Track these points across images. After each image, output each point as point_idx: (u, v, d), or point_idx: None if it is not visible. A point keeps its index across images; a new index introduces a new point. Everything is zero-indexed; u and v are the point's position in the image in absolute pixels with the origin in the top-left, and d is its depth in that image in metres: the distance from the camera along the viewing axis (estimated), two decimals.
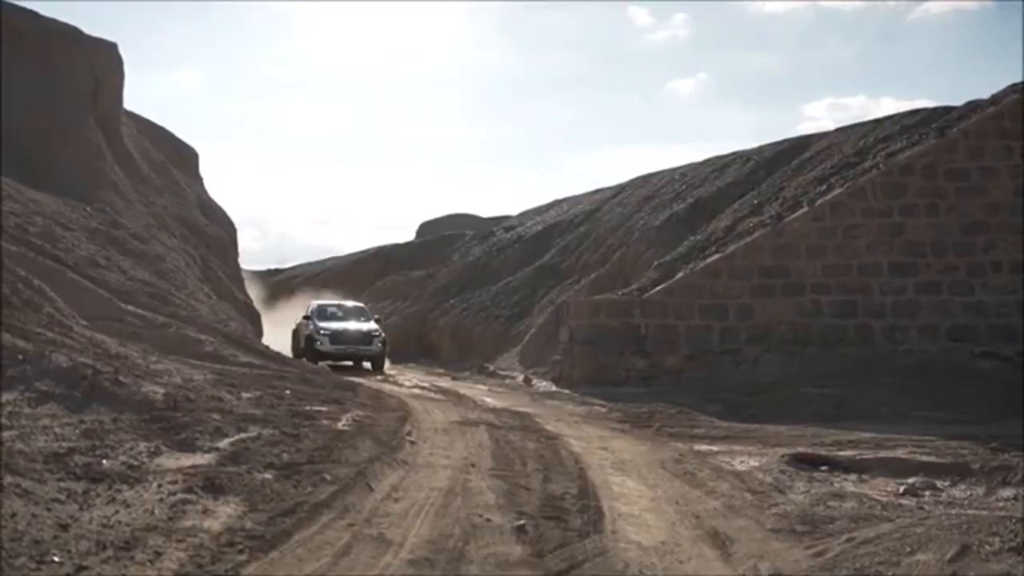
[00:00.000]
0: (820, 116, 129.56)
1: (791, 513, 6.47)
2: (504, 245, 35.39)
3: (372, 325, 22.96)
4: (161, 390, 7.96)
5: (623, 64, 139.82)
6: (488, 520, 5.71)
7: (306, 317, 23.24)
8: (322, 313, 23.43)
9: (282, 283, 44.17)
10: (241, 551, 4.58)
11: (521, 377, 20.02)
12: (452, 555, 4.96)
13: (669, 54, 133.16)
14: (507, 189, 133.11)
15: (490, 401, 14.37)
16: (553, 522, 5.79)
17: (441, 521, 5.59)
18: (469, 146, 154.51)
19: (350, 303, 26.67)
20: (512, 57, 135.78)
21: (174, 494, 5.33)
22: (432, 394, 15.20)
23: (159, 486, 5.45)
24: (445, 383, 18.84)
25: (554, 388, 17.50)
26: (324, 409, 9.30)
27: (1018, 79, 18.08)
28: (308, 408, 9.18)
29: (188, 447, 6.58)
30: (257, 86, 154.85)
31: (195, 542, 4.59)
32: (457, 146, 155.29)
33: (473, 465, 7.50)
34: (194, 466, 6.04)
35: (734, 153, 28.79)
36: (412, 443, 8.28)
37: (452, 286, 34.59)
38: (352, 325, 22.76)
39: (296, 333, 24.08)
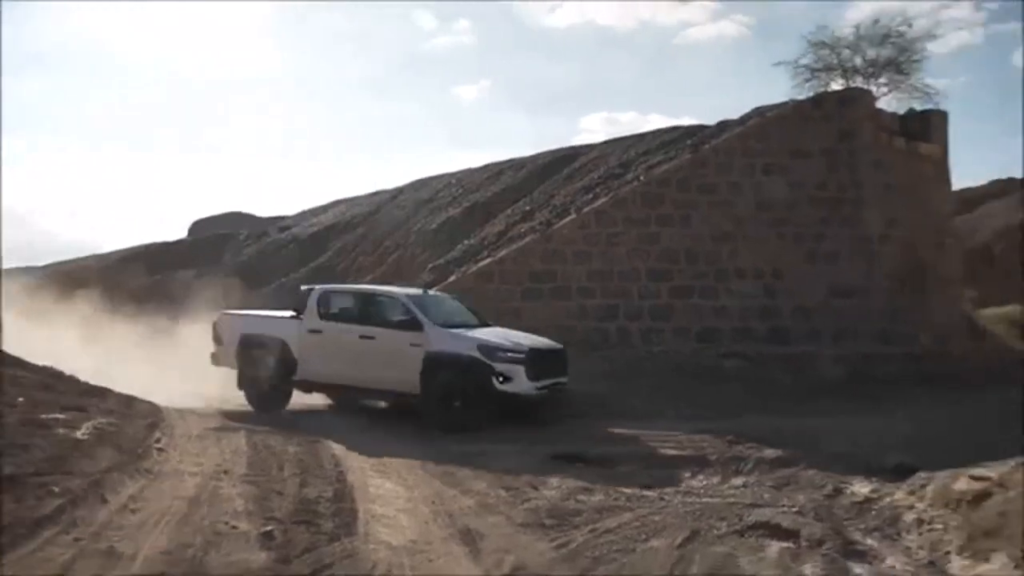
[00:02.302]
0: (596, 129, 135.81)
1: (542, 508, 6.72)
2: (279, 245, 34.38)
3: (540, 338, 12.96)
4: None
5: (408, 68, 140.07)
6: (234, 527, 5.52)
7: (408, 324, 11.99)
8: (432, 311, 12.48)
9: (35, 284, 40.47)
10: None
11: None
12: (190, 565, 4.76)
13: (454, 60, 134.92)
14: (288, 189, 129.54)
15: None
16: (304, 526, 5.70)
17: (182, 531, 5.34)
18: (248, 146, 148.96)
19: (438, 292, 15.15)
20: (296, 57, 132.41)
21: None
22: None
23: None
24: None
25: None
26: (63, 417, 8.57)
27: (766, 102, 19.78)
28: (44, 416, 8.42)
29: None
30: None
31: None
32: (235, 145, 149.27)
33: (226, 472, 7.23)
34: None
35: (509, 160, 29.54)
36: (160, 451, 7.85)
37: (226, 286, 33.18)
38: (523, 337, 12.57)
39: (270, 360, 12.72)
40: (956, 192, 28.24)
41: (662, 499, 7.46)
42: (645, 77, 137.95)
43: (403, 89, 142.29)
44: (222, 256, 37.31)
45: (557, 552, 5.58)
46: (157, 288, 36.94)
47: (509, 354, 11.55)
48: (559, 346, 12.82)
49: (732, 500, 7.37)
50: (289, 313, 13.27)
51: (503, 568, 5.29)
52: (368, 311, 12.70)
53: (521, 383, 11.42)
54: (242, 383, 13.02)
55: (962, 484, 6.63)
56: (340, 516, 6.04)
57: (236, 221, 50.18)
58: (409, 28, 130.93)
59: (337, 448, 9.04)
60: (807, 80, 20.74)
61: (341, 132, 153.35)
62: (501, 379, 11.34)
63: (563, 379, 12.46)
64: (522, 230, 19.25)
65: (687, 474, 8.64)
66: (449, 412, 11.39)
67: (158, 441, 8.32)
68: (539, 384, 11.68)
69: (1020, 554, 5.32)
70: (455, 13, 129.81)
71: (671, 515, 6.57)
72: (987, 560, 5.49)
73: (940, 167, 19.62)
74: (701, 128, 21.37)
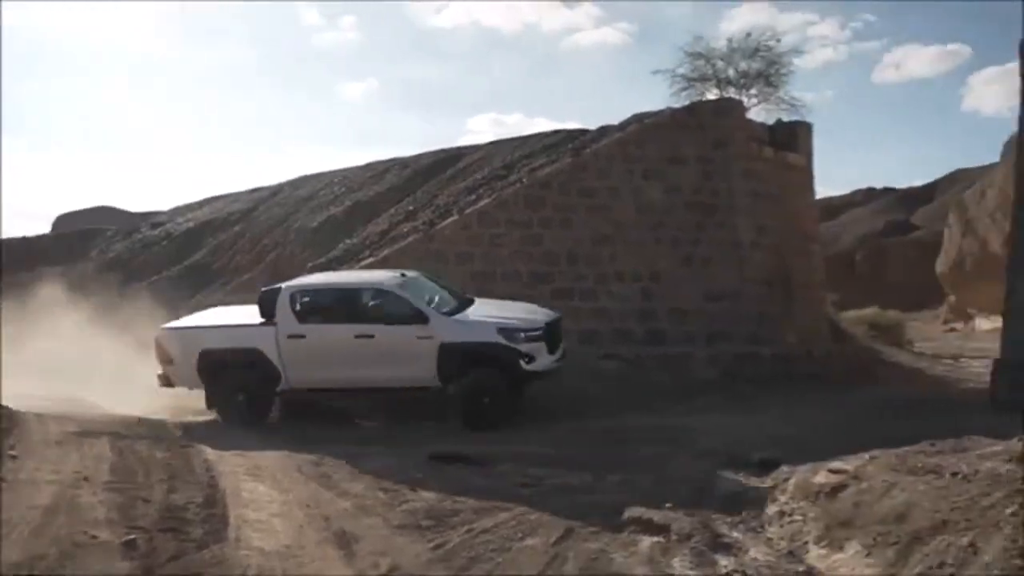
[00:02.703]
0: (483, 130, 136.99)
1: (419, 509, 6.69)
2: (151, 242, 33.03)
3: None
4: None
5: (293, 64, 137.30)
6: (94, 537, 5.27)
7: (409, 318, 11.42)
8: (424, 296, 12.19)
9: None
10: None
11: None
12: None
13: (339, 57, 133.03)
14: (163, 185, 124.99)
15: (120, 408, 13.22)
16: (170, 534, 5.51)
17: (36, 542, 5.06)
18: (122, 140, 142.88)
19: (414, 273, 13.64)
20: (176, 50, 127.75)
21: None
22: None
23: None
24: None
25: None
26: None
27: (647, 108, 20.27)
28: None
29: None
30: None
31: None
32: (107, 139, 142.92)
33: (86, 479, 6.88)
34: None
35: (393, 159, 29.31)
36: (14, 458, 7.40)
37: (88, 285, 31.68)
38: (522, 310, 12.79)
39: (247, 375, 11.71)
40: (820, 201, 29.74)
41: (539, 498, 7.55)
42: (532, 80, 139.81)
43: (287, 86, 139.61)
44: (88, 252, 35.67)
45: (433, 553, 5.58)
46: (11, 285, 34.99)
47: (530, 333, 11.40)
48: (559, 313, 13.06)
49: (607, 497, 7.51)
50: (253, 318, 11.97)
51: (379, 570, 5.25)
52: (356, 307, 11.84)
53: (543, 360, 11.43)
54: (212, 403, 11.96)
55: (821, 477, 6.98)
56: (210, 522, 5.86)
57: (104, 216, 48.01)
58: (293, 23, 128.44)
59: (210, 452, 8.75)
60: (684, 89, 21.38)
61: (220, 128, 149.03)
62: (527, 360, 11.24)
63: (563, 343, 12.50)
64: (405, 230, 19.12)
65: (563, 471, 8.75)
66: (480, 407, 11.27)
67: (12, 448, 7.82)
68: (555, 357, 11.76)
69: (872, 542, 5.63)
70: (340, 10, 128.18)
71: (547, 513, 6.65)
72: (841, 549, 5.79)
73: (805, 176, 20.57)
74: (583, 132, 21.71)
